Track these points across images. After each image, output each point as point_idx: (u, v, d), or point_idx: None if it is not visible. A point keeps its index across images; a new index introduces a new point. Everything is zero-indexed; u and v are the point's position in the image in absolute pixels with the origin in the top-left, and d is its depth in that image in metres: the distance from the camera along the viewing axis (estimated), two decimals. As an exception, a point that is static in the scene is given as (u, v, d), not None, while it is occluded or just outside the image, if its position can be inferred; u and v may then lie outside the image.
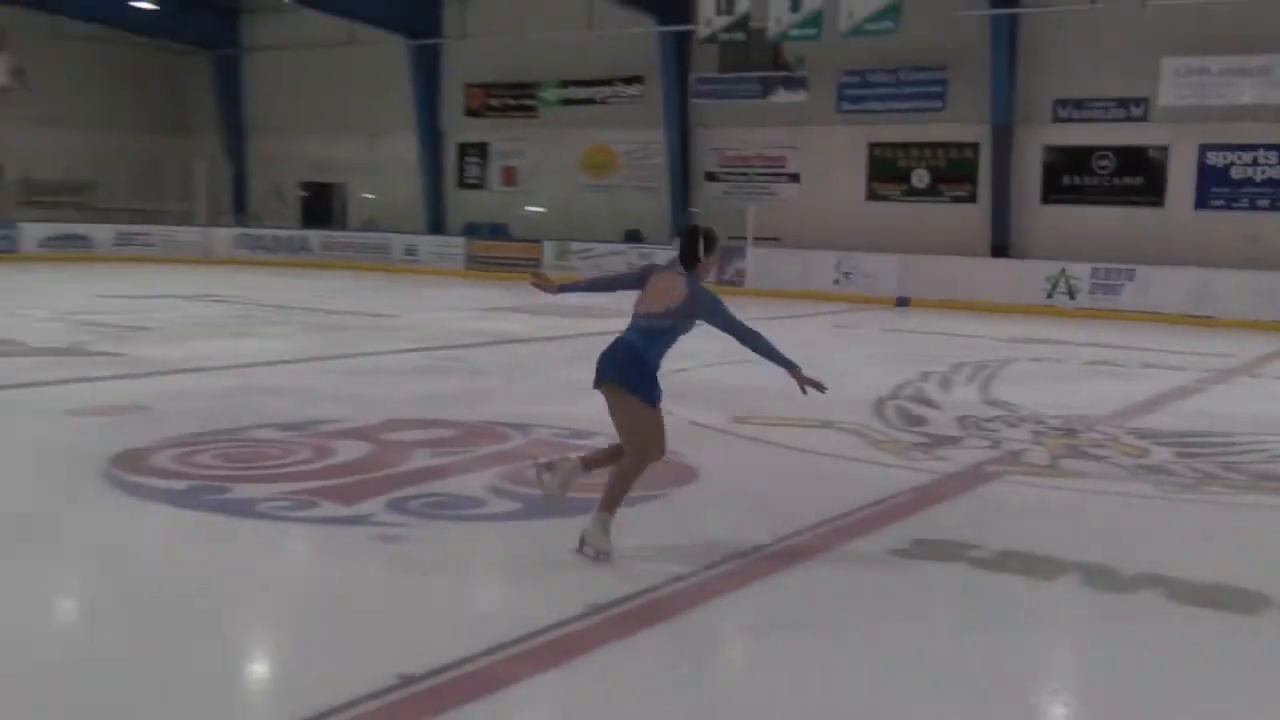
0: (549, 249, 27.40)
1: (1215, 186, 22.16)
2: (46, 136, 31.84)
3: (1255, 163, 21.78)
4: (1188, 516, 7.21)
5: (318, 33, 31.00)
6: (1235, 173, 21.95)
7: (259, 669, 4.60)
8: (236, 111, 34.44)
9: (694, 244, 5.88)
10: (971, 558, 5.94)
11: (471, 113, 30.52)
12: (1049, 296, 22.09)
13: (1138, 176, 22.90)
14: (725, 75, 26.40)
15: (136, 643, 4.58)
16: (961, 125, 24.30)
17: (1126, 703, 4.37)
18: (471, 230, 29.61)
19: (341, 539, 5.99)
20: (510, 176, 30.61)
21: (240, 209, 34.30)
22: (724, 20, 23.09)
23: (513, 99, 29.92)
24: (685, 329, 5.88)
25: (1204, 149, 22.19)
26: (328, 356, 12.91)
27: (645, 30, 26.66)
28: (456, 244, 29.10)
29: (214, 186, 32.78)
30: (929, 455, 8.50)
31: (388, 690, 4.08)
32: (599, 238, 27.26)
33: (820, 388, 5.80)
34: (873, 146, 25.59)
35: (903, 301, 23.03)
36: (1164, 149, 22.62)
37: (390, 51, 30.47)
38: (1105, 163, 23.18)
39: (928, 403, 10.79)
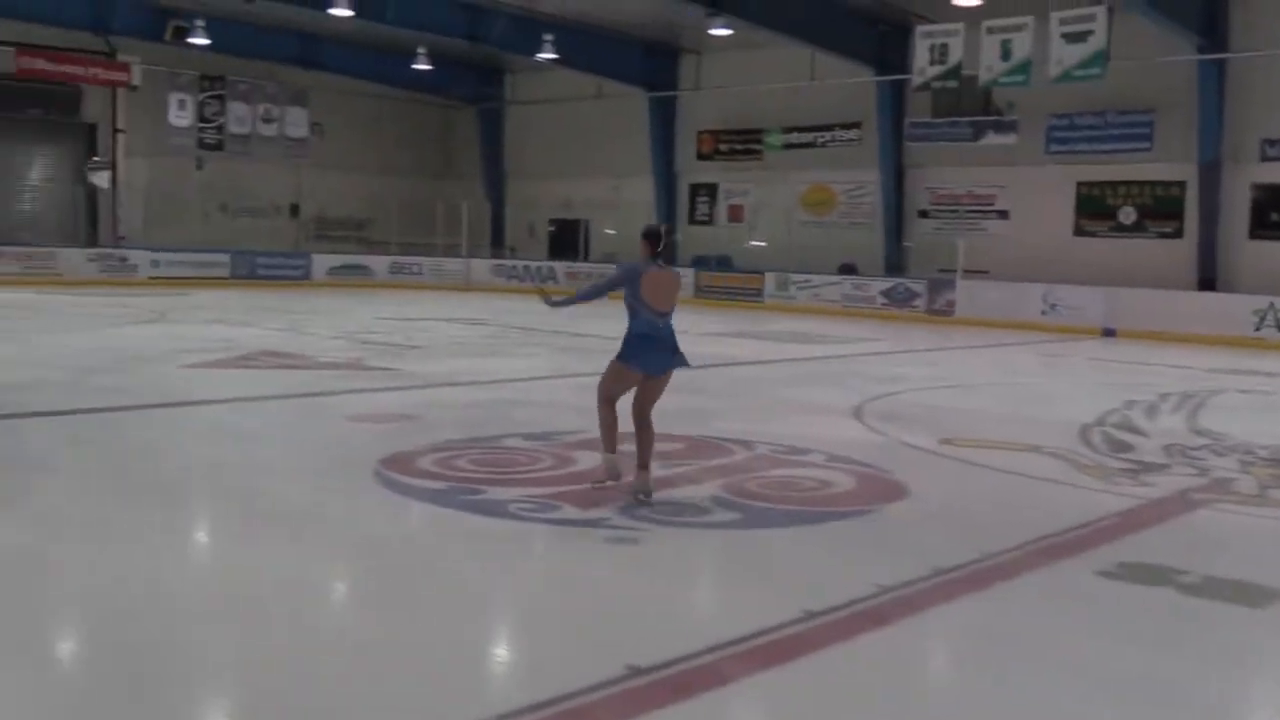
0: (770, 280, 27.27)
1: None
2: (336, 180, 33.70)
3: None
4: (1405, 550, 6.57)
5: (569, 88, 31.83)
6: None
7: (502, 652, 4.65)
8: (497, 157, 35.63)
9: (672, 241, 6.64)
10: (1178, 583, 5.54)
11: (703, 156, 30.76)
12: (1257, 329, 20.66)
13: (1349, 213, 21.26)
14: (938, 120, 25.85)
15: (393, 623, 4.70)
16: (1169, 164, 23.06)
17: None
18: (700, 262, 29.73)
19: (579, 539, 6.03)
20: (736, 213, 30.67)
21: (497, 242, 35.42)
22: (937, 69, 22.59)
23: (740, 143, 30.02)
24: None
25: None
26: (570, 374, 13.13)
27: (863, 80, 26.35)
28: (686, 274, 29.25)
29: (475, 223, 33.97)
30: (1135, 481, 8.01)
31: (618, 680, 4.07)
32: (816, 270, 26.97)
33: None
34: (1080, 185, 24.55)
35: (1109, 332, 21.93)
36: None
37: (632, 103, 31.01)
38: (1315, 200, 21.59)
39: (1134, 430, 10.19)
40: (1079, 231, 24.68)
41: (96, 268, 27.63)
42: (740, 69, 28.89)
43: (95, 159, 30.04)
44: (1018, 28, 21.40)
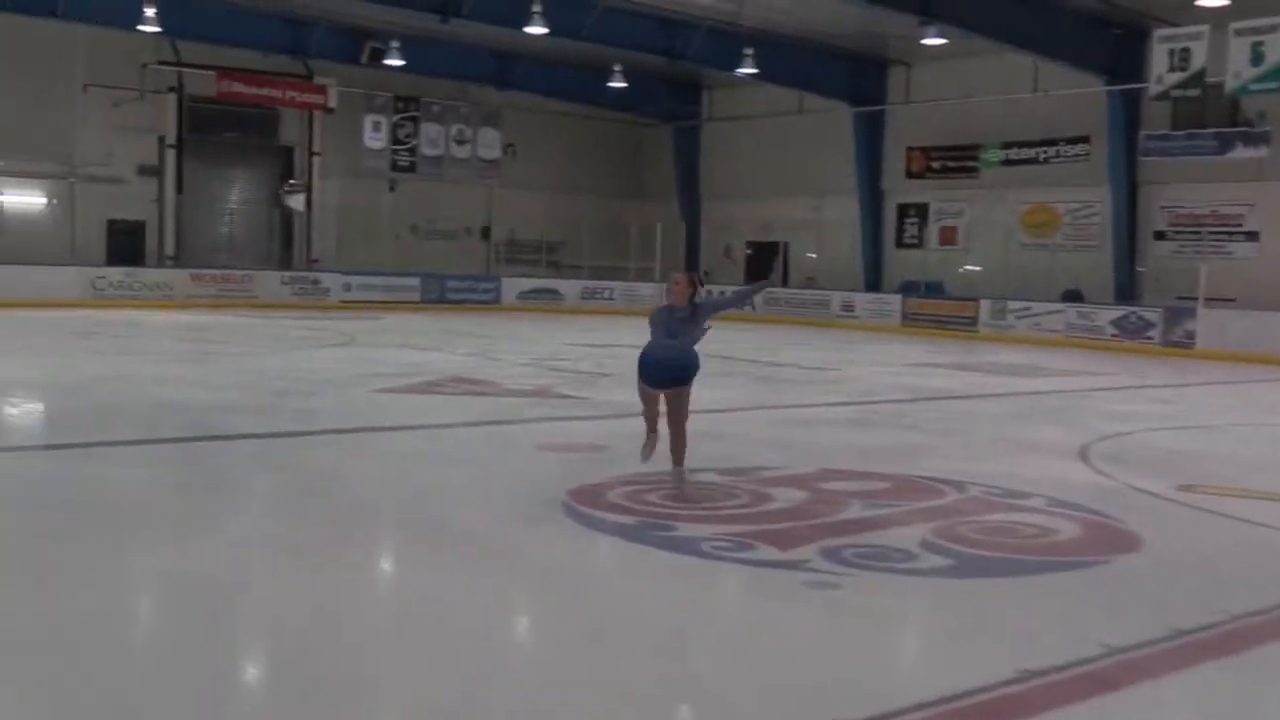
0: (985, 308, 26.64)
1: None
2: (527, 201, 34.67)
3: None
4: None
5: (769, 103, 31.90)
6: None
7: (692, 701, 4.57)
8: (692, 177, 35.96)
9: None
10: None
11: (912, 174, 30.35)
12: None
13: None
14: (1177, 132, 24.76)
15: (580, 663, 4.77)
16: None
17: None
18: (907, 288, 29.32)
19: (777, 582, 5.99)
20: (948, 236, 30.13)
21: (692, 267, 35.69)
22: (1177, 77, 21.74)
23: (953, 160, 29.50)
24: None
25: None
26: (767, 406, 13.09)
27: (1092, 90, 25.55)
28: (892, 301, 28.86)
29: (669, 245, 34.38)
30: None
31: (816, 735, 4.02)
32: (1036, 296, 26.21)
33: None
34: (1345, 203, 23.23)
35: (1377, 369, 20.57)
36: None
37: (835, 118, 30.87)
38: None
39: (1407, 480, 9.51)
40: (1341, 255, 23.31)
41: (290, 290, 29.17)
42: (954, 80, 28.41)
43: (291, 182, 31.77)
44: (1271, 29, 20.42)
